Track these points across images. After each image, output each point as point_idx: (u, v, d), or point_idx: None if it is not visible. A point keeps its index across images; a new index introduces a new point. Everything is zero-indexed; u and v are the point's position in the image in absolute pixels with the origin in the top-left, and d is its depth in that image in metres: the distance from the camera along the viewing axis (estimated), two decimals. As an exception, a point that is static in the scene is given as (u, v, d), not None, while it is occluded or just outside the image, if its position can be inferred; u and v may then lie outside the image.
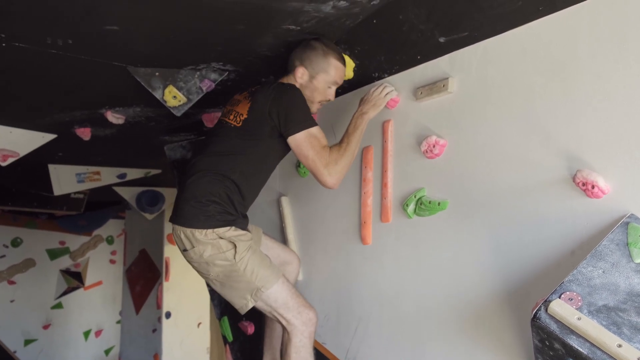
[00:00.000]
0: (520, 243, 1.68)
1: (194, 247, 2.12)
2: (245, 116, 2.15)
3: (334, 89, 2.26)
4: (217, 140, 2.21)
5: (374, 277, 2.30)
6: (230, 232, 2.11)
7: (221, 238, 2.09)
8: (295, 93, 2.13)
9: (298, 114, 2.09)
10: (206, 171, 2.14)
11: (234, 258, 2.09)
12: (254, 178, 2.23)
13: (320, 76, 2.20)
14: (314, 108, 2.25)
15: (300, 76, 2.22)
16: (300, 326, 2.16)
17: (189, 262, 2.20)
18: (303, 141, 2.07)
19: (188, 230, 2.11)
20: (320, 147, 2.08)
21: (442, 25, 1.88)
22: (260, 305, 2.18)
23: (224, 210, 2.11)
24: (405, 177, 2.16)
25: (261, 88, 2.19)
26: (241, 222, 2.18)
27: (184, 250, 2.18)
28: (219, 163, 2.15)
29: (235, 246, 2.09)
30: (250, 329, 2.98)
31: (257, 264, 2.13)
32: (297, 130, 2.07)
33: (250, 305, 2.16)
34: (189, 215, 2.12)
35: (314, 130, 2.09)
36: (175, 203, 2.23)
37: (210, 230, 2.08)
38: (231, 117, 2.20)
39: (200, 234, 2.09)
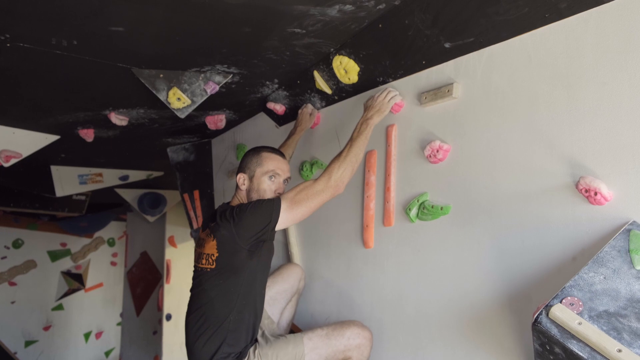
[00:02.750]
0: (522, 248, 1.68)
1: None
2: (216, 255, 2.06)
3: (279, 179, 2.21)
4: (199, 291, 2.11)
5: (375, 281, 2.30)
6: None
7: None
8: (245, 207, 2.05)
9: (263, 214, 2.01)
10: (203, 332, 2.06)
11: None
12: (254, 301, 2.14)
13: (257, 171, 2.19)
14: None
15: (242, 182, 2.22)
16: (356, 350, 2.12)
17: None
18: (291, 210, 2.02)
19: None
20: (304, 189, 2.04)
21: (447, 30, 1.89)
22: None
23: (235, 357, 2.06)
24: (408, 181, 2.17)
25: (220, 222, 2.07)
26: (250, 345, 2.12)
27: None
28: (211, 315, 2.06)
29: None
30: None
31: (275, 358, 2.10)
32: (277, 218, 2.01)
33: None
34: None
35: (283, 198, 2.04)
36: None
37: None
38: (203, 261, 2.11)
39: None
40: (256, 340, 2.17)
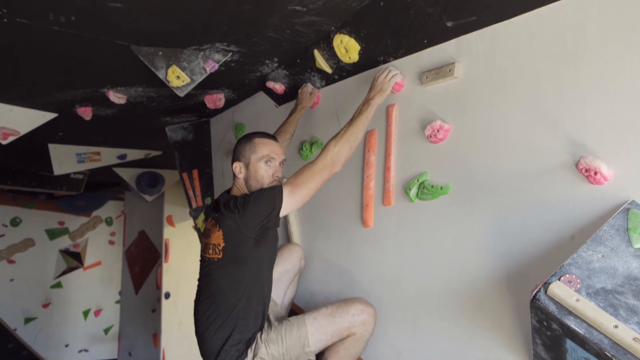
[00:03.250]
0: (521, 227, 1.70)
1: None
2: (223, 244, 2.09)
3: (275, 162, 2.22)
4: (208, 280, 2.14)
5: (375, 260, 2.32)
6: (250, 354, 2.10)
7: None
8: (249, 197, 2.07)
9: (267, 202, 2.04)
10: (213, 320, 2.09)
11: None
12: (262, 288, 2.18)
13: (252, 158, 2.20)
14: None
15: (238, 171, 2.23)
16: (360, 326, 2.16)
17: None
18: (293, 194, 2.05)
19: None
20: (303, 172, 2.08)
21: (450, 9, 1.88)
22: (321, 346, 2.19)
23: (244, 344, 2.10)
24: (408, 161, 2.17)
25: (225, 212, 2.10)
26: (258, 331, 2.16)
27: None
28: (221, 304, 2.09)
29: (260, 357, 2.10)
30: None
31: (281, 345, 2.14)
32: (280, 205, 2.04)
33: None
34: None
35: (285, 184, 2.08)
36: (200, 350, 2.18)
37: None
38: (210, 251, 2.13)
39: None
40: (263, 326, 2.21)
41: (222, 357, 2.06)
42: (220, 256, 2.09)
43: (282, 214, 2.07)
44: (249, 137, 2.27)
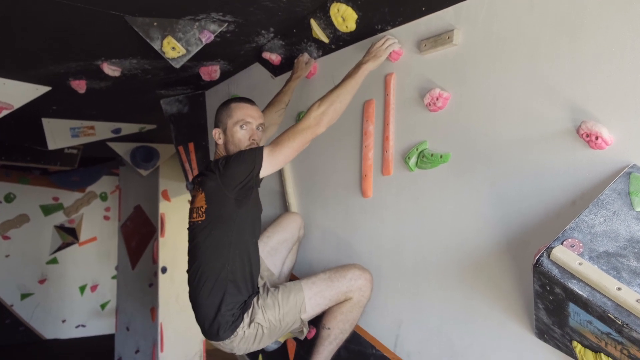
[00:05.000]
0: (522, 194, 1.70)
1: (233, 348, 2.17)
2: (205, 206, 2.11)
3: (251, 126, 2.23)
4: (194, 245, 2.16)
5: (374, 230, 2.33)
6: (246, 319, 2.12)
7: (244, 331, 2.12)
8: (229, 157, 2.11)
9: (247, 161, 2.06)
10: (203, 284, 2.10)
11: (263, 329, 2.13)
12: (247, 250, 2.17)
13: (229, 123, 2.23)
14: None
15: (217, 137, 2.27)
16: (357, 291, 2.19)
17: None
18: (274, 153, 2.06)
19: (220, 343, 2.15)
20: (286, 131, 2.09)
21: (449, -26, 1.86)
22: (318, 310, 2.22)
23: (238, 309, 2.11)
24: (407, 130, 2.17)
25: (207, 173, 2.14)
26: (252, 295, 2.17)
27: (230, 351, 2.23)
28: (207, 266, 2.10)
29: (256, 323, 2.12)
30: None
31: (278, 310, 2.14)
32: (260, 163, 2.05)
33: (307, 329, 2.24)
34: (213, 332, 2.12)
35: (267, 145, 2.09)
36: (196, 317, 2.19)
37: (233, 335, 2.11)
38: (194, 215, 2.16)
39: (229, 341, 2.13)
40: (259, 291, 2.22)
41: (218, 321, 2.08)
42: (203, 218, 2.12)
43: (263, 174, 2.08)
44: (227, 103, 2.31)
